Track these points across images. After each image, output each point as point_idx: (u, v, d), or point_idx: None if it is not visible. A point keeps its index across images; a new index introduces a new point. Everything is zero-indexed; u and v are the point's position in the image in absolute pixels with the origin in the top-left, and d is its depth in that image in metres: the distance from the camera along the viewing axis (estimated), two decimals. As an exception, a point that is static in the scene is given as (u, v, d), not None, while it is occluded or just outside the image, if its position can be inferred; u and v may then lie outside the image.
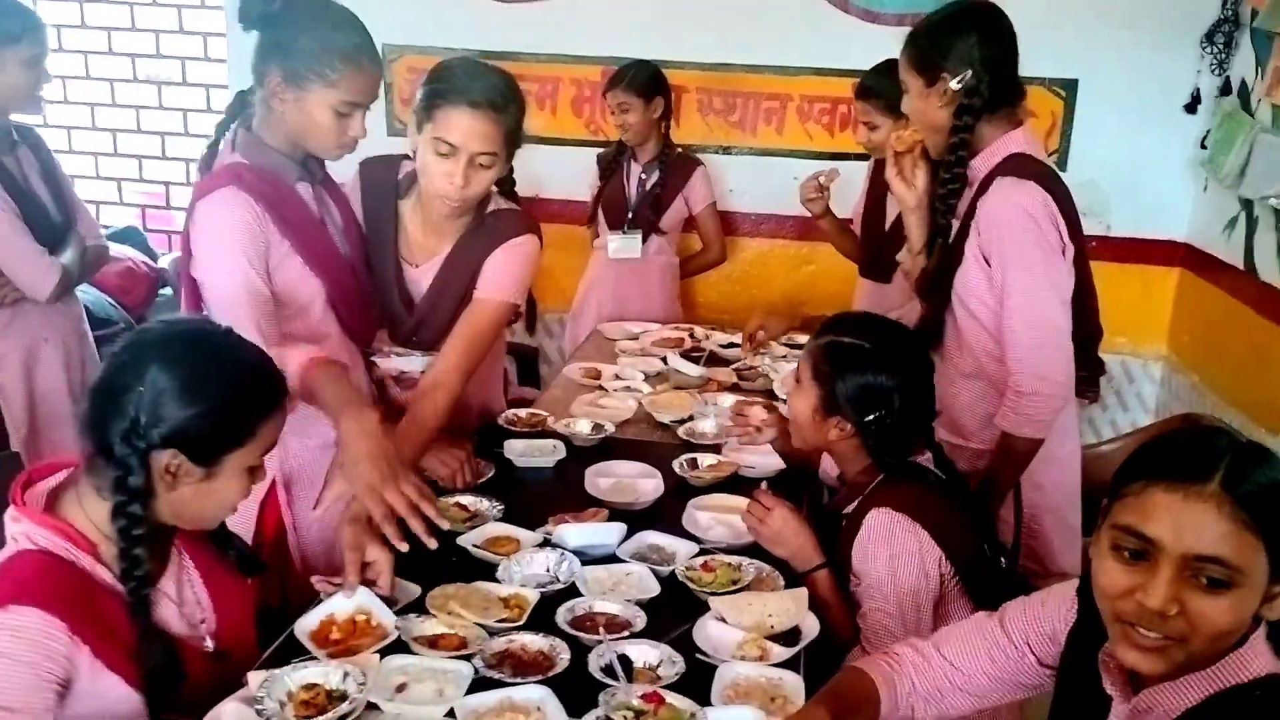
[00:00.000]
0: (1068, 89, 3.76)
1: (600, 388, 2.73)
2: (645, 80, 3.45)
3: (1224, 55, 3.57)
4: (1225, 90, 3.58)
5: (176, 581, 1.46)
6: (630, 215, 3.59)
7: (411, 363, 2.13)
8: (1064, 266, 2.01)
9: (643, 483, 2.12)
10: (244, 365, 1.43)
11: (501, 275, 2.09)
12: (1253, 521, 1.05)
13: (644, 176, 3.59)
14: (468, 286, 2.10)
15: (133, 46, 4.54)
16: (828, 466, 2.07)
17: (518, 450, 2.25)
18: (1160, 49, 3.65)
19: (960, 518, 1.78)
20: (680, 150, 3.68)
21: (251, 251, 1.80)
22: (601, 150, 3.71)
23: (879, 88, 2.84)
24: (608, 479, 2.12)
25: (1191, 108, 3.69)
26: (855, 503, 1.81)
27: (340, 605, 1.57)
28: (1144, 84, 3.70)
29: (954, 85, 2.01)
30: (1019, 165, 2.01)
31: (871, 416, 1.76)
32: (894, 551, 1.71)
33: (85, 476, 1.38)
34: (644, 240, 3.57)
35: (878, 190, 3.07)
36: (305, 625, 1.54)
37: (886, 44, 3.50)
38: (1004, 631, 1.39)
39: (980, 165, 2.06)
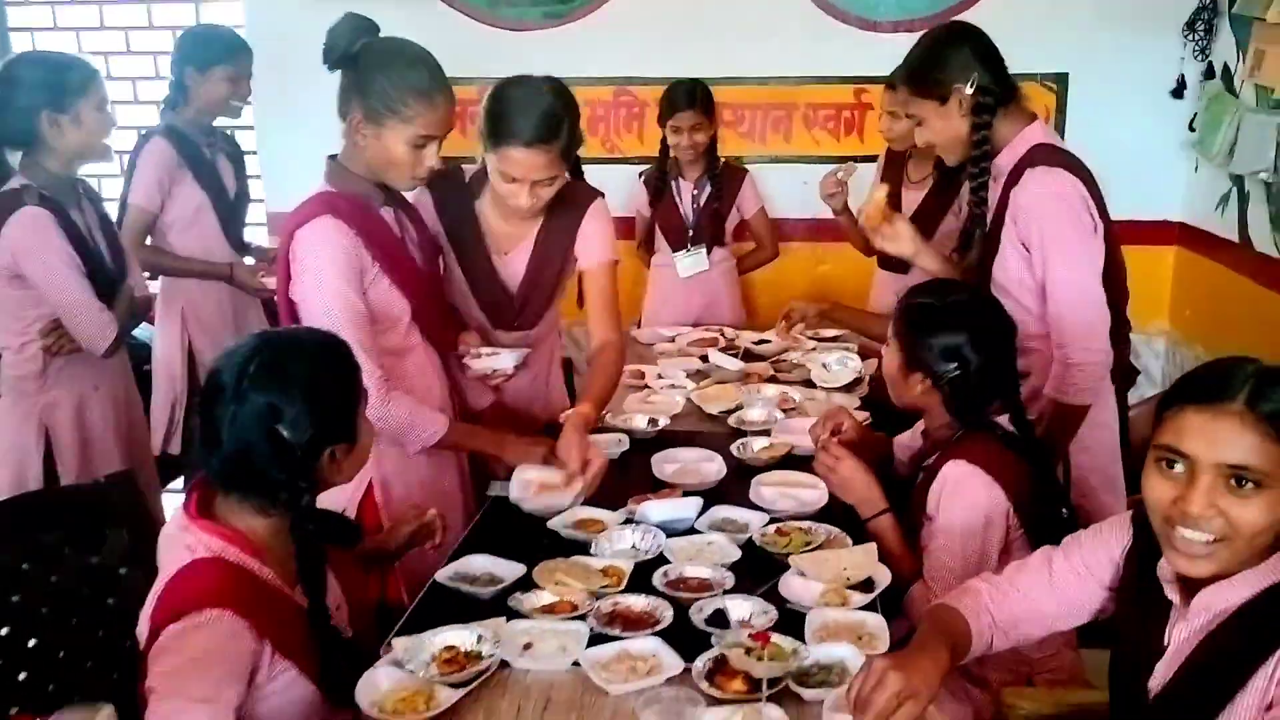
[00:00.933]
0: (1059, 83, 3.95)
1: (646, 386, 2.90)
2: (707, 98, 3.52)
3: (1205, 41, 3.77)
4: (1209, 74, 3.78)
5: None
6: (691, 233, 3.66)
7: (501, 361, 2.30)
8: (1097, 244, 2.18)
9: (705, 465, 2.29)
10: (315, 348, 1.54)
11: (597, 240, 2.35)
12: (1275, 433, 1.22)
13: (696, 192, 3.65)
14: (563, 262, 2.35)
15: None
16: (899, 450, 2.24)
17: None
18: (1144, 39, 3.85)
19: (1031, 473, 1.93)
20: (726, 160, 3.73)
21: (350, 274, 1.97)
22: (644, 171, 3.80)
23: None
24: (673, 464, 2.29)
25: (1178, 93, 3.88)
26: (935, 456, 1.97)
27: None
28: (1131, 73, 3.89)
29: (968, 90, 2.17)
30: (1046, 155, 2.18)
31: (947, 372, 1.92)
32: (966, 500, 1.86)
33: (225, 494, 1.49)
34: (709, 253, 3.66)
35: (893, 181, 3.24)
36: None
37: (884, 50, 3.72)
38: (1067, 561, 1.56)
39: (1005, 160, 2.22)
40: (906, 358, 1.97)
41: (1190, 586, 1.36)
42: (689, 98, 3.48)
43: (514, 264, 2.36)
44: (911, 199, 3.14)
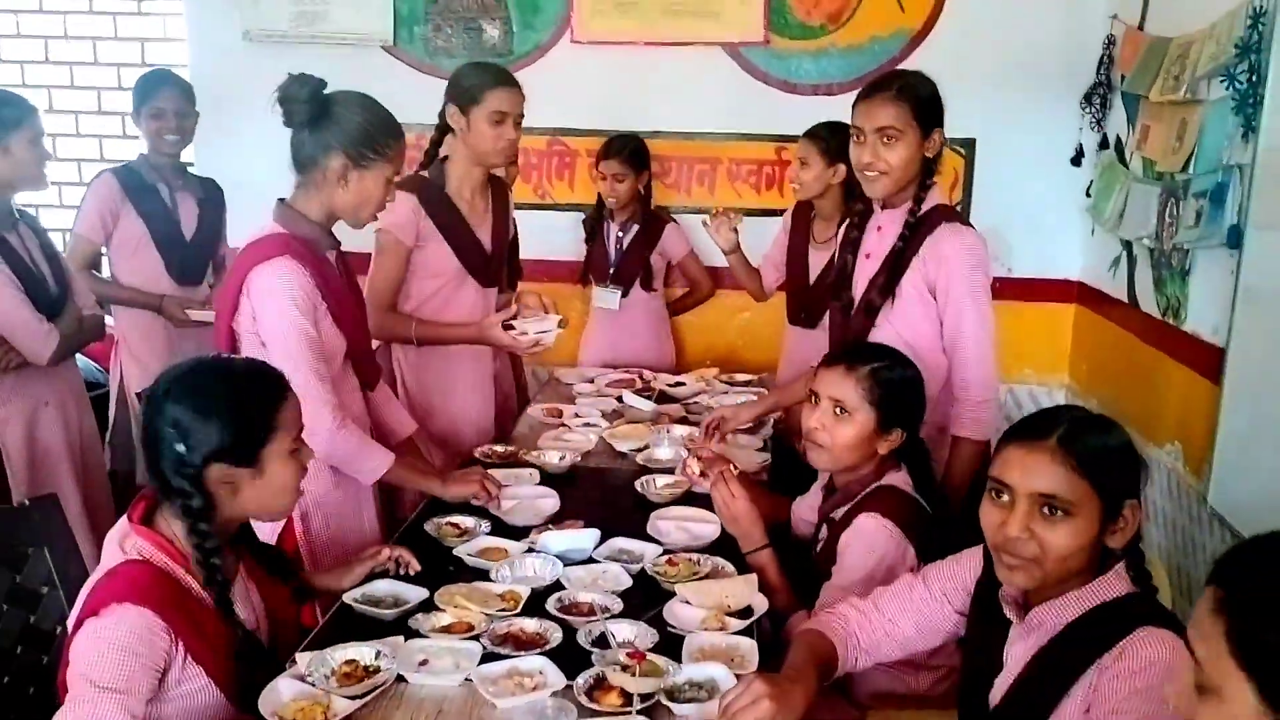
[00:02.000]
0: (967, 147, 4.19)
1: (563, 424, 3.03)
2: (635, 152, 3.81)
3: (1101, 114, 4.03)
4: (1104, 145, 4.03)
5: (243, 591, 1.72)
6: (612, 270, 3.90)
7: (545, 324, 2.63)
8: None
9: (698, 526, 2.30)
10: (240, 374, 1.67)
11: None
12: (1081, 468, 1.41)
13: (620, 235, 3.91)
14: (508, 229, 3.02)
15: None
16: (798, 516, 2.40)
17: (499, 478, 2.54)
18: (1047, 110, 4.10)
19: (934, 521, 2.09)
20: (655, 209, 4.02)
21: (307, 312, 2.11)
22: (585, 215, 4.09)
23: (827, 137, 3.22)
24: (667, 522, 2.33)
25: (1076, 161, 4.14)
26: (846, 508, 2.11)
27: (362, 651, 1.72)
28: (1034, 141, 4.14)
29: (942, 140, 2.41)
30: (954, 215, 2.44)
31: (917, 418, 2.10)
32: (877, 552, 2.00)
33: (165, 502, 1.63)
34: (625, 294, 3.86)
35: (799, 242, 3.44)
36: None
37: (803, 111, 3.95)
38: (926, 588, 1.74)
39: (904, 213, 2.42)
40: (883, 418, 2.07)
41: (1026, 608, 1.53)
42: (616, 148, 3.79)
43: (482, 233, 2.84)
44: (819, 258, 3.32)
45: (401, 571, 2.02)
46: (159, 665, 1.50)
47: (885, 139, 2.36)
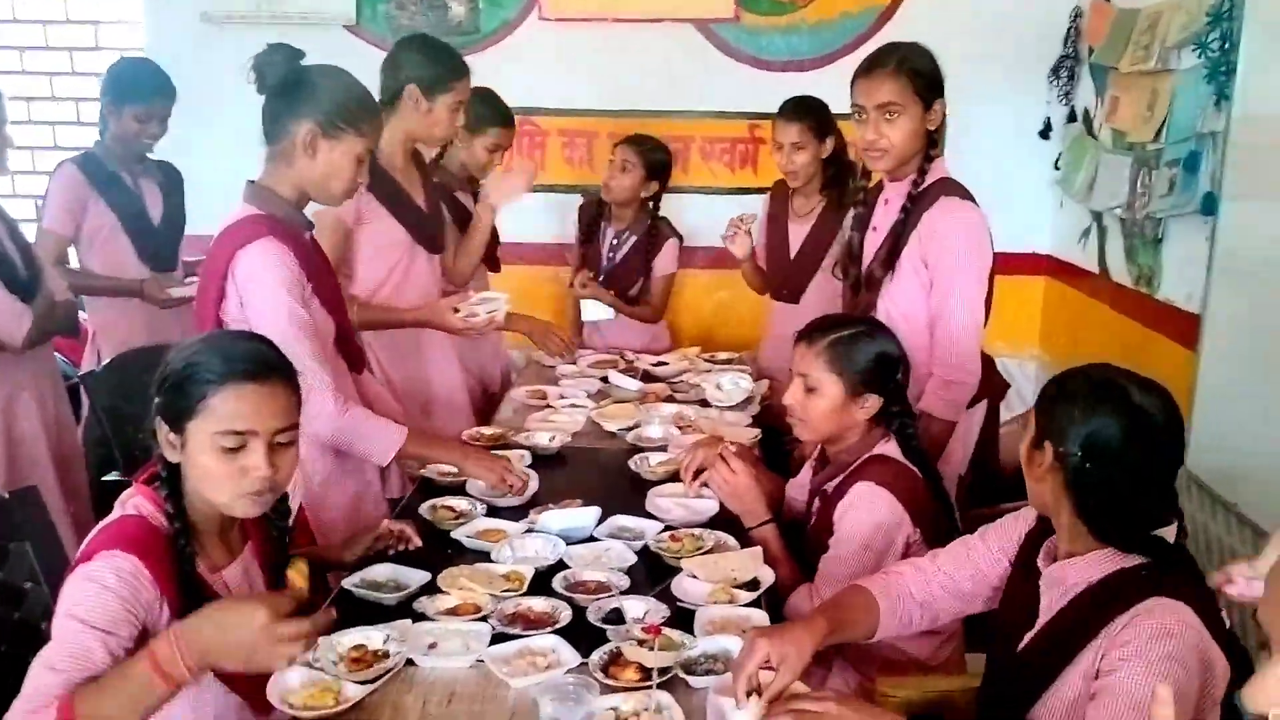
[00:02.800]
0: (937, 122, 4.20)
1: (549, 406, 3.00)
2: (654, 156, 3.56)
3: (1069, 87, 4.07)
4: (1071, 118, 4.07)
5: (243, 572, 1.67)
6: (602, 278, 3.66)
7: (494, 302, 2.62)
8: (987, 279, 2.40)
9: (695, 503, 2.26)
10: (183, 352, 1.54)
11: None
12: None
13: (615, 241, 3.68)
14: None
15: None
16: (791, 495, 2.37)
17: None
18: (1015, 83, 4.13)
19: (930, 489, 2.10)
20: (661, 219, 3.70)
21: (297, 293, 2.05)
22: (583, 202, 3.86)
23: (811, 113, 3.16)
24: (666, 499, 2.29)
25: (1045, 134, 4.18)
26: (839, 479, 2.10)
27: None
28: (1002, 115, 4.16)
29: (943, 110, 2.39)
30: (957, 188, 2.40)
31: (892, 383, 2.08)
32: (874, 518, 2.00)
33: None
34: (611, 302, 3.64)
35: (778, 218, 3.41)
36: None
37: (774, 87, 3.94)
38: (984, 543, 1.75)
39: (908, 185, 2.41)
40: (850, 386, 2.06)
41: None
42: (636, 138, 3.58)
43: (420, 201, 2.77)
44: (799, 231, 3.31)
45: (401, 547, 1.98)
46: (140, 614, 1.45)
47: (887, 115, 2.34)
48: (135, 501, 1.55)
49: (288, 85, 2.07)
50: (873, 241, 2.53)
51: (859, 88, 2.39)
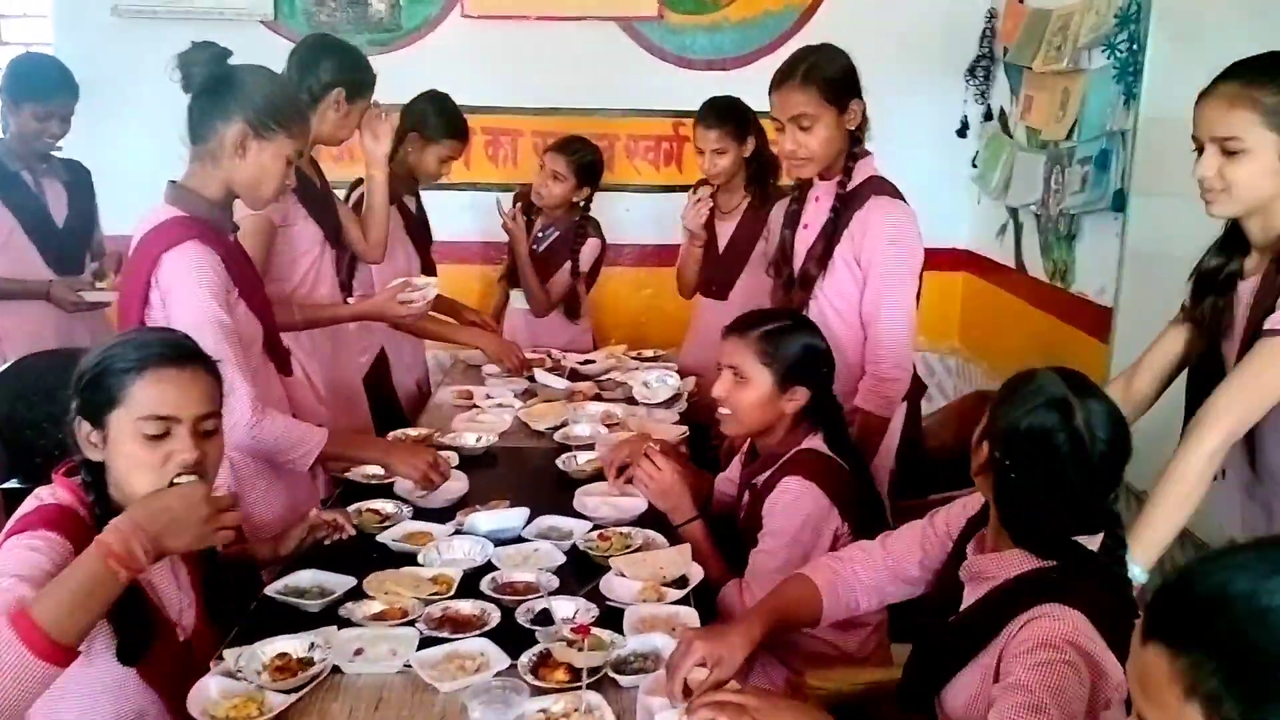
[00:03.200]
0: (858, 121, 4.26)
1: (475, 405, 2.98)
2: (586, 163, 3.54)
3: (984, 86, 4.16)
4: (988, 116, 4.17)
5: (170, 573, 1.63)
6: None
7: (425, 287, 2.69)
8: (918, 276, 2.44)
9: (622, 501, 2.25)
10: (100, 349, 1.54)
11: None
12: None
13: (541, 235, 3.65)
14: None
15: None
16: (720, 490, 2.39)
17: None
18: (932, 82, 4.21)
19: (857, 483, 2.11)
20: (590, 220, 3.67)
21: (222, 298, 1.98)
22: (518, 191, 3.81)
23: (729, 117, 3.16)
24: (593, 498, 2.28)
25: (962, 132, 4.27)
26: (769, 472, 2.11)
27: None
28: (920, 113, 4.24)
29: (860, 106, 2.41)
30: (888, 187, 2.44)
31: (818, 379, 2.09)
32: (801, 512, 2.02)
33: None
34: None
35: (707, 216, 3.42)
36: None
37: (698, 85, 3.96)
38: (932, 527, 1.76)
39: (835, 186, 2.45)
40: (778, 378, 2.07)
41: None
42: (563, 145, 3.55)
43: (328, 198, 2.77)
44: (725, 229, 3.32)
45: (337, 536, 1.96)
46: None
47: (802, 125, 2.38)
48: (54, 492, 1.53)
49: (217, 85, 2.01)
50: (804, 239, 2.56)
51: (773, 100, 2.43)
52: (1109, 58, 3.04)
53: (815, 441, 2.12)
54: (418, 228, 3.36)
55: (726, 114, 3.16)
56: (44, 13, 4.15)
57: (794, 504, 2.03)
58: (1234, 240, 1.81)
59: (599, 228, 3.69)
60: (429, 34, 4.13)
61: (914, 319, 2.47)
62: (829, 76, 2.38)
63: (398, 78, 3.50)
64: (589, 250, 3.66)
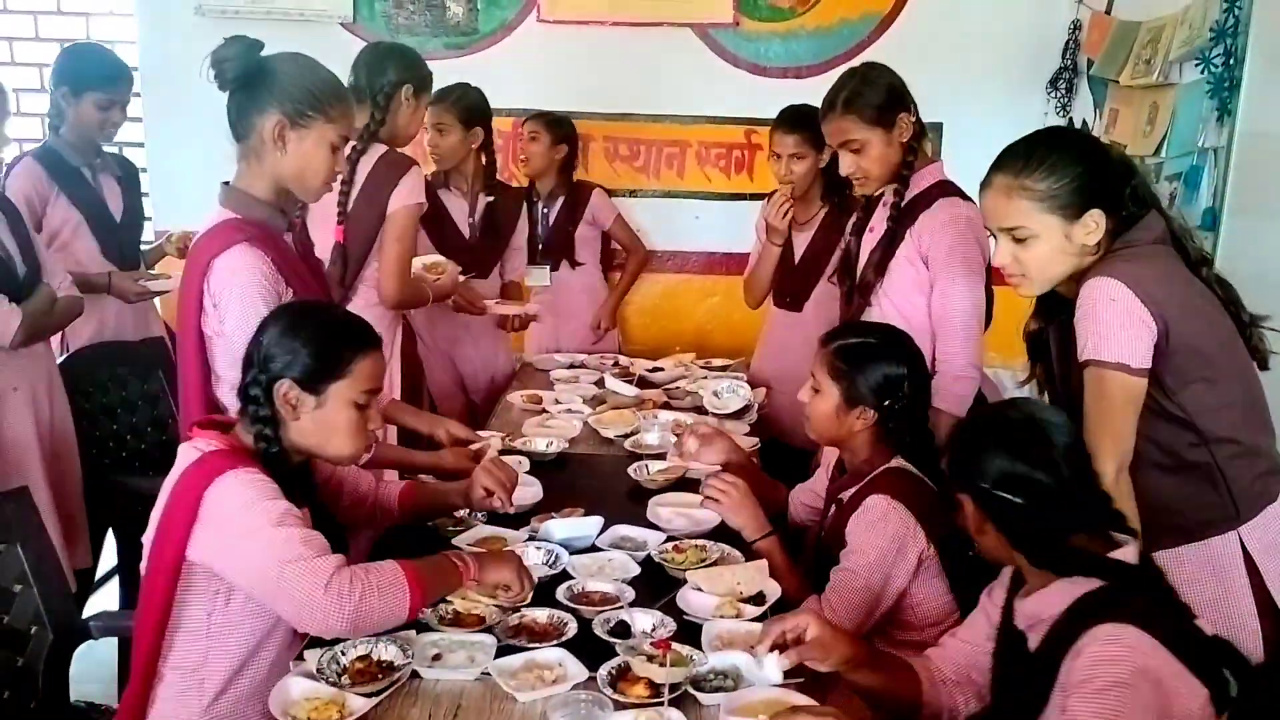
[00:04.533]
0: (934, 131, 4.17)
1: (544, 411, 2.97)
2: (551, 124, 3.74)
3: (1066, 99, 4.06)
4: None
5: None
6: (541, 246, 3.77)
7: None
8: (984, 276, 2.42)
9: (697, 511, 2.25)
10: (333, 315, 1.83)
11: None
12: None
13: (546, 210, 3.81)
14: None
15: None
16: (796, 501, 2.38)
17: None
18: (1012, 94, 4.11)
19: (944, 511, 2.04)
20: (579, 181, 3.90)
21: (272, 300, 1.94)
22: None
23: (808, 124, 3.05)
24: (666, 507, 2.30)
25: (1041, 146, 4.17)
26: (855, 489, 2.07)
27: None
28: (999, 126, 4.09)
29: (910, 117, 2.41)
30: (954, 189, 2.45)
31: (889, 402, 2.04)
32: (888, 532, 1.95)
33: (240, 421, 1.75)
34: (555, 268, 3.77)
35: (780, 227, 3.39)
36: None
37: (773, 94, 3.93)
38: (991, 600, 1.69)
39: (911, 191, 2.44)
40: (846, 395, 2.05)
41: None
42: (534, 115, 3.77)
43: None
44: (801, 240, 3.27)
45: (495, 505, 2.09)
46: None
47: (852, 150, 2.42)
48: (207, 443, 1.68)
49: (250, 78, 1.97)
50: (869, 243, 2.57)
51: (824, 131, 2.51)
52: (1202, 72, 2.95)
53: (903, 460, 2.07)
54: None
55: (806, 120, 3.11)
56: (129, 11, 4.23)
57: (879, 522, 1.98)
58: (1048, 302, 1.90)
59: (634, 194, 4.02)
60: (505, 38, 4.14)
61: (983, 316, 2.45)
62: (868, 100, 2.40)
63: (474, 81, 3.55)
64: (599, 201, 3.89)
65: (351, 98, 2.13)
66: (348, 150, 2.49)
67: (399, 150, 2.77)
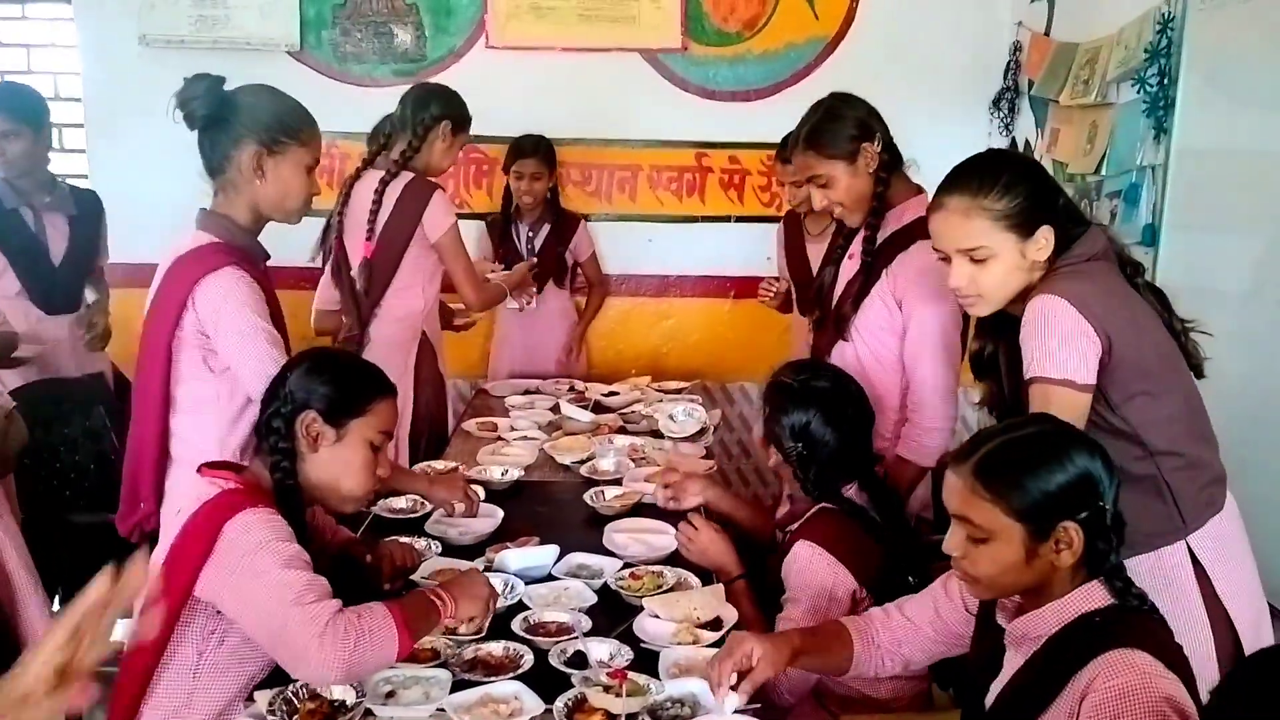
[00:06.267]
0: (882, 152, 4.24)
1: (499, 438, 2.96)
2: (549, 150, 3.84)
3: (1009, 119, 4.14)
4: (1012, 148, 4.14)
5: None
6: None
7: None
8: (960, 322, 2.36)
9: (653, 537, 2.27)
10: (354, 360, 1.92)
11: None
12: (991, 495, 1.42)
13: (532, 235, 3.90)
14: None
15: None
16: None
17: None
18: (957, 115, 4.18)
19: (879, 549, 2.05)
20: (564, 209, 4.01)
21: (266, 317, 2.03)
22: (489, 217, 3.99)
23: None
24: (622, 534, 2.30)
25: (986, 165, 4.23)
26: (794, 526, 2.08)
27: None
28: (943, 146, 4.14)
29: (875, 147, 2.33)
30: None
31: (793, 450, 2.05)
32: (814, 580, 1.97)
33: (256, 467, 1.79)
34: (539, 291, 3.79)
35: (795, 243, 3.47)
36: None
37: (722, 117, 3.96)
38: (946, 592, 1.73)
39: (890, 223, 2.36)
40: (765, 430, 2.09)
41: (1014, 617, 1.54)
42: (533, 147, 3.80)
43: None
44: (816, 251, 3.27)
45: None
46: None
47: (821, 185, 2.37)
48: (216, 483, 1.69)
49: (220, 113, 2.03)
50: (848, 270, 2.48)
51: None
52: (1138, 92, 3.02)
53: (850, 492, 2.08)
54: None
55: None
56: (71, 43, 4.17)
57: (805, 571, 2.00)
58: (992, 321, 1.92)
59: (587, 218, 4.10)
60: (454, 64, 4.14)
61: (958, 368, 2.35)
62: (827, 133, 2.34)
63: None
64: (584, 234, 4.02)
65: (316, 122, 2.15)
66: (375, 181, 2.90)
67: (425, 178, 2.95)
